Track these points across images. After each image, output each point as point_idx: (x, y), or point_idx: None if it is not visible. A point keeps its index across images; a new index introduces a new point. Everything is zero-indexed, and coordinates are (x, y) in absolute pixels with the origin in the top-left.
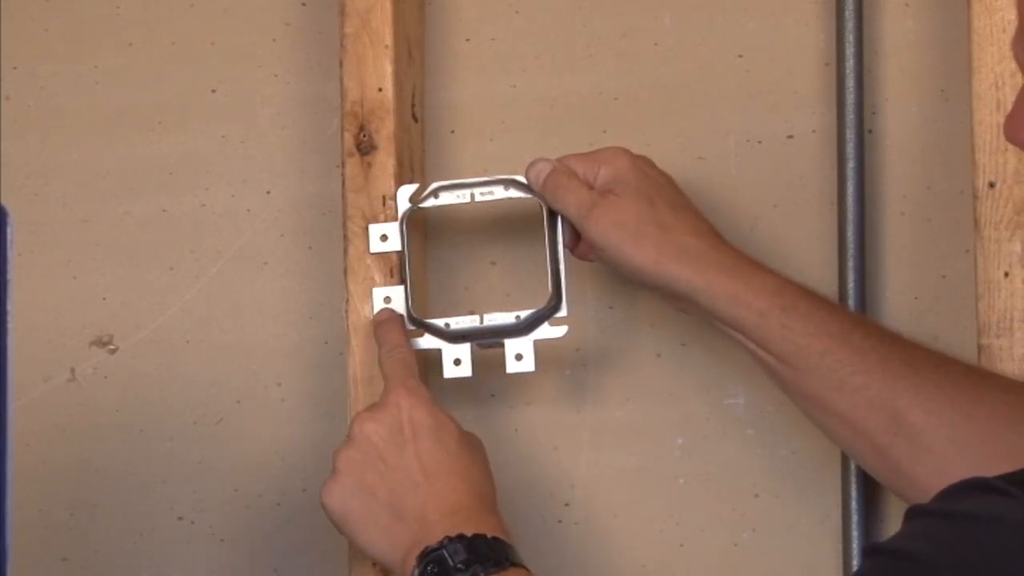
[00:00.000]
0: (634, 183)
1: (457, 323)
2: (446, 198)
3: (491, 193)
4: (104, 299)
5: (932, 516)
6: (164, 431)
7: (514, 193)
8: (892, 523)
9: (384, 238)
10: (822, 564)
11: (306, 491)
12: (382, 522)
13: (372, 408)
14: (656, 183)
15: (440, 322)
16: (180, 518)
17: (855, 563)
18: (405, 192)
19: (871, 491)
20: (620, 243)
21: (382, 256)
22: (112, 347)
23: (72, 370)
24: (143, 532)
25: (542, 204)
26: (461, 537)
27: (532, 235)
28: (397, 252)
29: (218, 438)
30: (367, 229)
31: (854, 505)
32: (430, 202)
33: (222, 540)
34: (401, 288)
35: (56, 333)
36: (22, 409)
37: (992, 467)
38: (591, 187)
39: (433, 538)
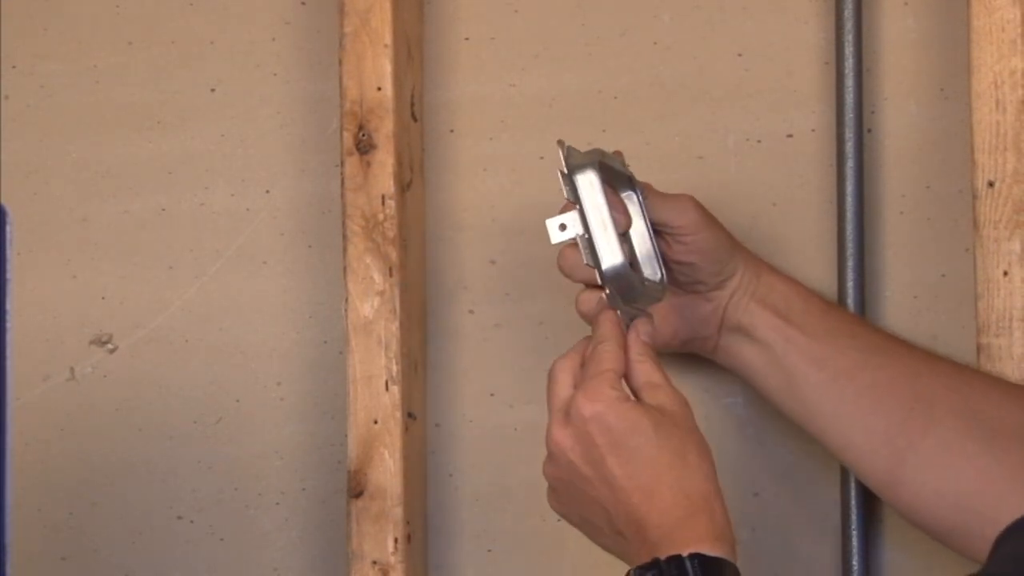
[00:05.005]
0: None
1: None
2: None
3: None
4: (103, 298)
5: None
6: (163, 430)
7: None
8: (891, 523)
9: (563, 227)
10: (821, 564)
11: (306, 490)
12: (606, 533)
13: (560, 414)
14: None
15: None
16: (179, 517)
17: (855, 563)
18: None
19: (871, 492)
20: (700, 221)
21: (380, 255)
22: (111, 346)
23: (71, 369)
24: (142, 531)
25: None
26: (668, 560)
27: (532, 234)
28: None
29: (218, 437)
30: (369, 229)
31: (853, 505)
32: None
33: (222, 539)
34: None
35: (55, 332)
36: (21, 408)
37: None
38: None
39: (654, 552)
